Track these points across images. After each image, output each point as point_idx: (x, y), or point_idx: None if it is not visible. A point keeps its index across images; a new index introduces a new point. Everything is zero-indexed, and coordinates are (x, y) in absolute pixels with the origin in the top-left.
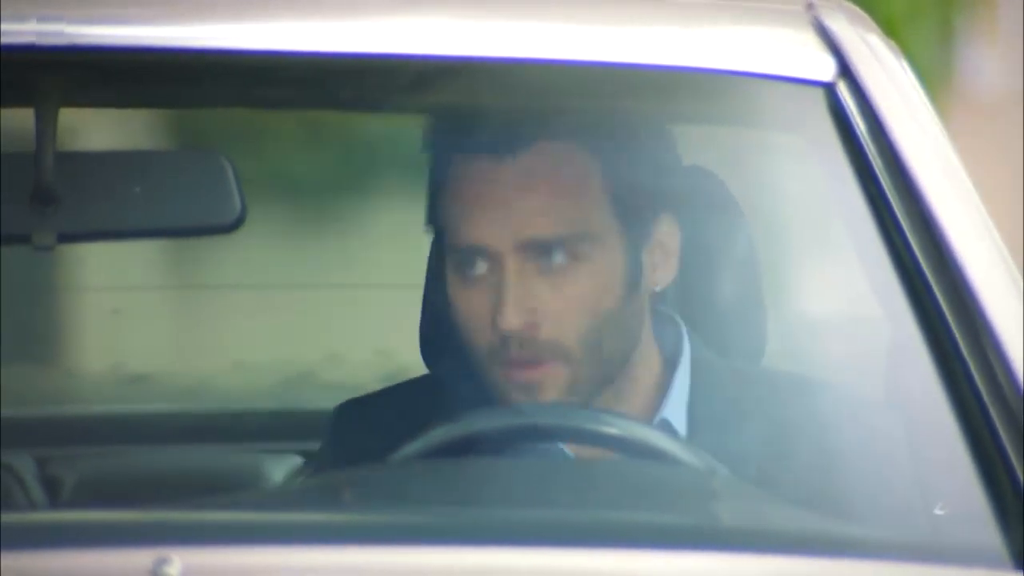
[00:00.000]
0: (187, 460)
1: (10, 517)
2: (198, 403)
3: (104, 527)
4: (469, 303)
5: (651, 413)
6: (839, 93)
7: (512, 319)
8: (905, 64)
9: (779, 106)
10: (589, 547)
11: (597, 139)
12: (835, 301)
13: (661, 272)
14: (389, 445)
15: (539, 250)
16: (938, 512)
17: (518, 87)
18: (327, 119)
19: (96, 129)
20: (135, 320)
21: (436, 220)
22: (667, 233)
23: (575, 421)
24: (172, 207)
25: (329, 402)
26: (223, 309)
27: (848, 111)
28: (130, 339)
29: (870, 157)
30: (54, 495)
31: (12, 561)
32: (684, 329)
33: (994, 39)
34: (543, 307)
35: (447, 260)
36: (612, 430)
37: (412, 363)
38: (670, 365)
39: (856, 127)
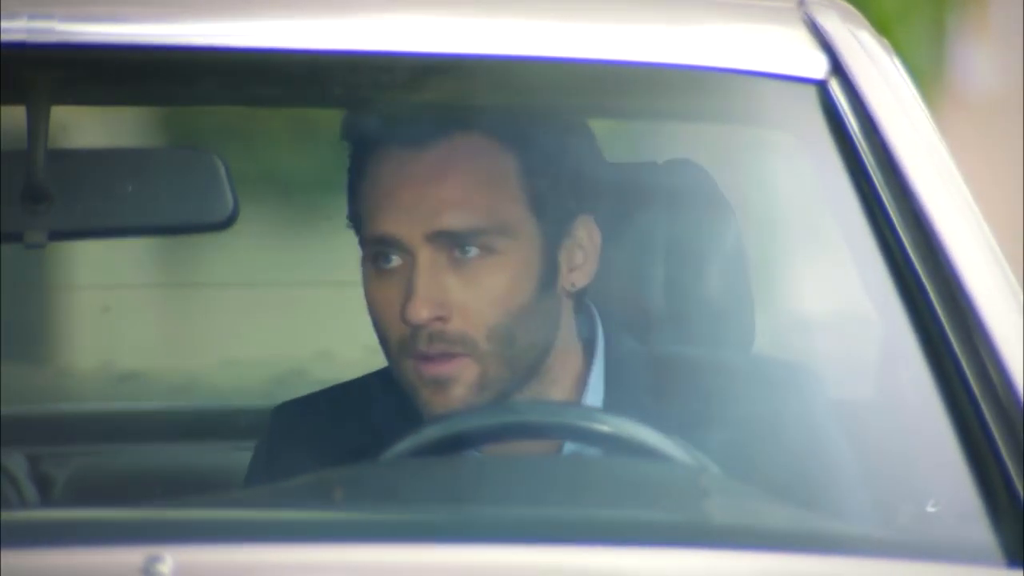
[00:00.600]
0: (178, 458)
1: (2, 515)
2: (189, 400)
3: (96, 525)
4: (381, 295)
5: None
6: (831, 91)
7: (420, 311)
8: (897, 62)
9: (771, 103)
10: (578, 544)
11: (517, 135)
12: (827, 299)
13: (579, 272)
14: (326, 446)
15: (451, 242)
16: (930, 509)
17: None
18: (318, 116)
19: (88, 127)
20: (126, 317)
21: (355, 212)
22: (586, 234)
23: (566, 418)
24: (164, 205)
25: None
26: (214, 306)
27: (840, 109)
28: (121, 336)
29: (862, 155)
30: (45, 493)
31: (4, 559)
32: (598, 320)
33: (986, 37)
34: (453, 300)
35: (363, 250)
36: (604, 427)
37: None
38: (589, 359)
39: (848, 125)
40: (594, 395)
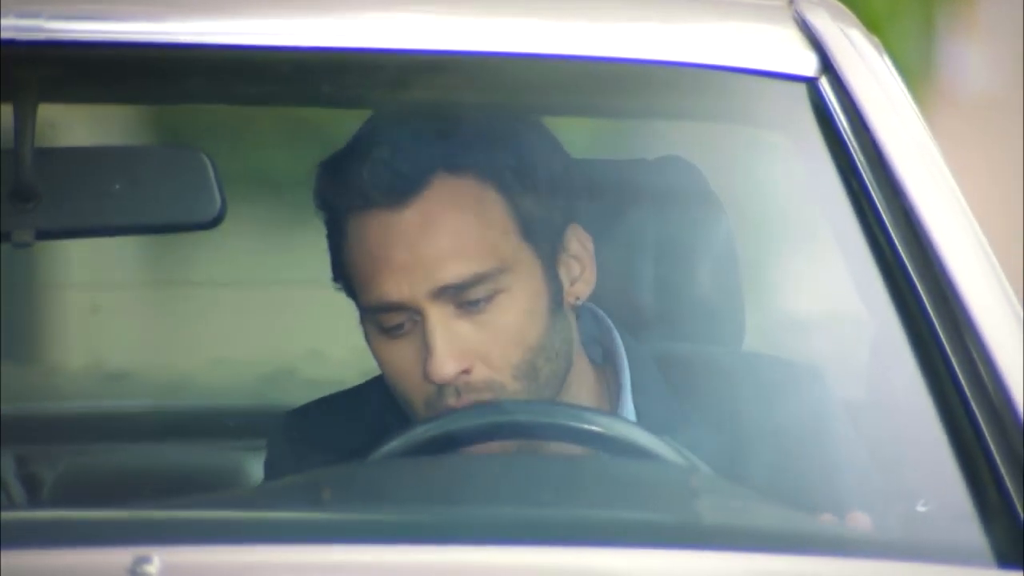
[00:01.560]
0: (167, 458)
1: None
2: (178, 400)
3: (83, 525)
4: (396, 358)
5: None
6: (822, 89)
7: (445, 370)
8: (888, 60)
9: (762, 102)
10: (567, 545)
11: (492, 163)
12: (817, 297)
13: (580, 284)
14: (336, 451)
15: (456, 294)
16: (920, 509)
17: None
18: (307, 115)
19: (75, 125)
20: (115, 317)
21: (343, 276)
22: (578, 243)
23: (558, 418)
24: (152, 203)
25: (309, 398)
26: (203, 306)
27: (831, 107)
28: (110, 336)
29: (853, 153)
30: (33, 493)
31: None
32: (611, 323)
33: (976, 36)
34: (473, 349)
35: (365, 317)
36: (594, 427)
37: None
38: (603, 367)
39: (839, 123)
40: (628, 406)
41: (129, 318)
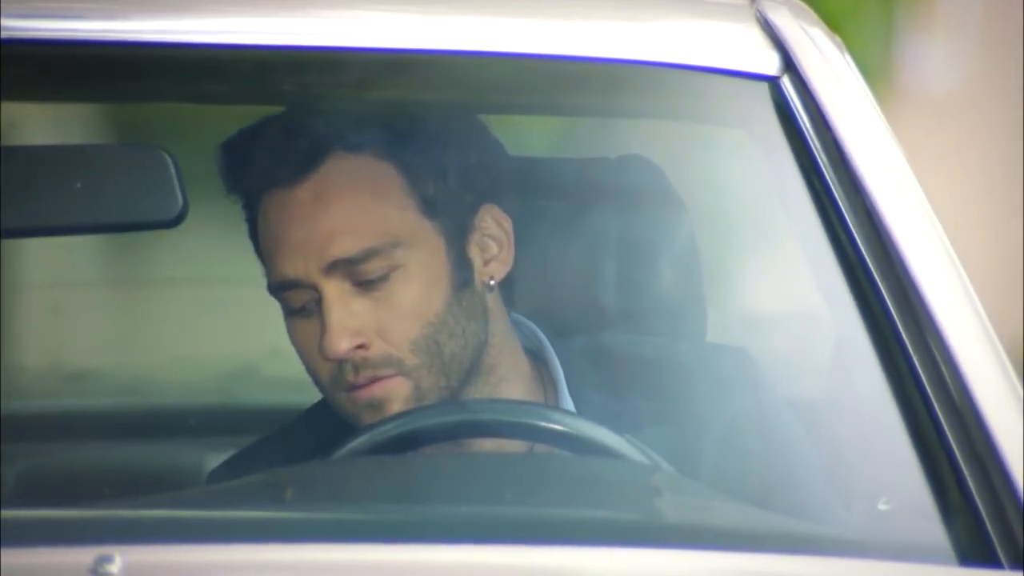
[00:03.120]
0: (129, 457)
1: None
2: (139, 399)
3: (44, 525)
4: (301, 336)
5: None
6: (783, 87)
7: (338, 345)
8: (849, 58)
9: (724, 100)
10: (530, 543)
11: (393, 143)
12: (779, 296)
13: (496, 264)
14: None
15: (350, 269)
16: (882, 507)
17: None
18: (268, 113)
19: (36, 124)
20: (75, 315)
21: (261, 260)
22: (494, 224)
23: (520, 417)
24: (113, 202)
25: (272, 397)
26: (164, 304)
27: (792, 105)
28: (70, 335)
29: (814, 151)
30: None
31: None
32: (535, 327)
33: (935, 35)
34: (369, 325)
35: (275, 297)
36: (557, 426)
37: None
38: (541, 365)
39: (800, 121)
40: (564, 397)
41: (90, 317)
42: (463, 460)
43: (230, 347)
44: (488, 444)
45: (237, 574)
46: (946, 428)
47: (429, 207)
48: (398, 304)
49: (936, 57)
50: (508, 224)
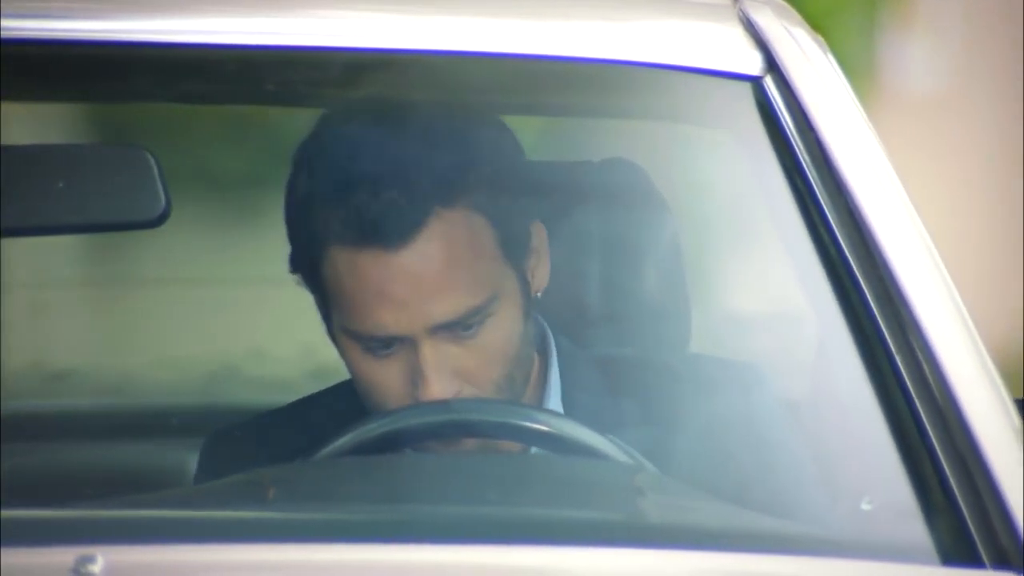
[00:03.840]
0: (110, 457)
1: None
2: (121, 399)
3: (26, 525)
4: (379, 377)
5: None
6: (767, 88)
7: (439, 396)
8: (832, 58)
9: (707, 101)
10: (514, 544)
11: (478, 192)
12: (763, 297)
13: (539, 278)
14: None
15: (452, 327)
16: (864, 507)
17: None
18: (251, 113)
19: (17, 124)
20: (57, 315)
21: (322, 298)
22: (538, 238)
23: (503, 416)
24: (96, 202)
25: (254, 397)
26: (146, 304)
27: (775, 106)
28: (52, 335)
29: (798, 152)
30: None
31: None
32: (545, 324)
33: (917, 35)
34: (463, 372)
35: (345, 334)
36: (539, 426)
37: (335, 359)
38: (543, 361)
39: (783, 122)
40: (553, 399)
41: (72, 317)
42: (447, 460)
43: (213, 347)
44: (473, 444)
45: (219, 574)
46: (929, 428)
47: (508, 250)
48: (488, 350)
49: (919, 57)
50: (544, 234)
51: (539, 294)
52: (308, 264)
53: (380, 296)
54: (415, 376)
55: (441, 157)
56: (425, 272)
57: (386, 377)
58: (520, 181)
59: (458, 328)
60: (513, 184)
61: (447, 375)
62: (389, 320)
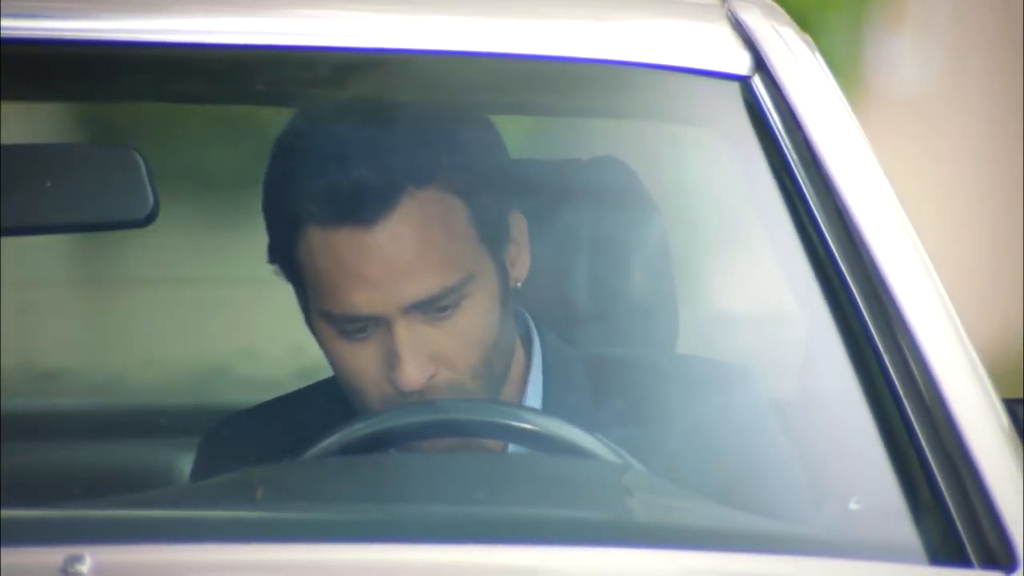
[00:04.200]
0: (99, 457)
1: None
2: (110, 399)
3: (14, 525)
4: (354, 360)
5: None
6: (755, 87)
7: (414, 380)
8: (820, 58)
9: (695, 100)
10: (502, 543)
11: (454, 172)
12: (750, 296)
13: (519, 268)
14: (263, 460)
15: (427, 307)
16: (853, 506)
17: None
18: (240, 113)
19: (5, 123)
20: (45, 315)
21: (295, 278)
22: (518, 228)
23: (490, 416)
24: (84, 202)
25: (243, 397)
26: (135, 304)
27: (764, 105)
28: (40, 334)
29: (786, 151)
30: None
31: None
32: (530, 319)
33: (904, 35)
34: (438, 355)
35: (322, 319)
36: (527, 425)
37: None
38: (527, 356)
39: (772, 121)
40: (533, 394)
41: (60, 317)
42: (435, 460)
43: (201, 347)
44: (460, 444)
45: (208, 574)
46: (917, 428)
47: (484, 233)
48: (464, 333)
49: (906, 57)
50: (524, 224)
51: (519, 284)
52: (285, 250)
53: (354, 275)
54: (391, 358)
55: (416, 139)
56: (399, 250)
57: (362, 361)
58: (499, 170)
59: (433, 309)
60: (490, 171)
61: (423, 357)
62: (363, 300)
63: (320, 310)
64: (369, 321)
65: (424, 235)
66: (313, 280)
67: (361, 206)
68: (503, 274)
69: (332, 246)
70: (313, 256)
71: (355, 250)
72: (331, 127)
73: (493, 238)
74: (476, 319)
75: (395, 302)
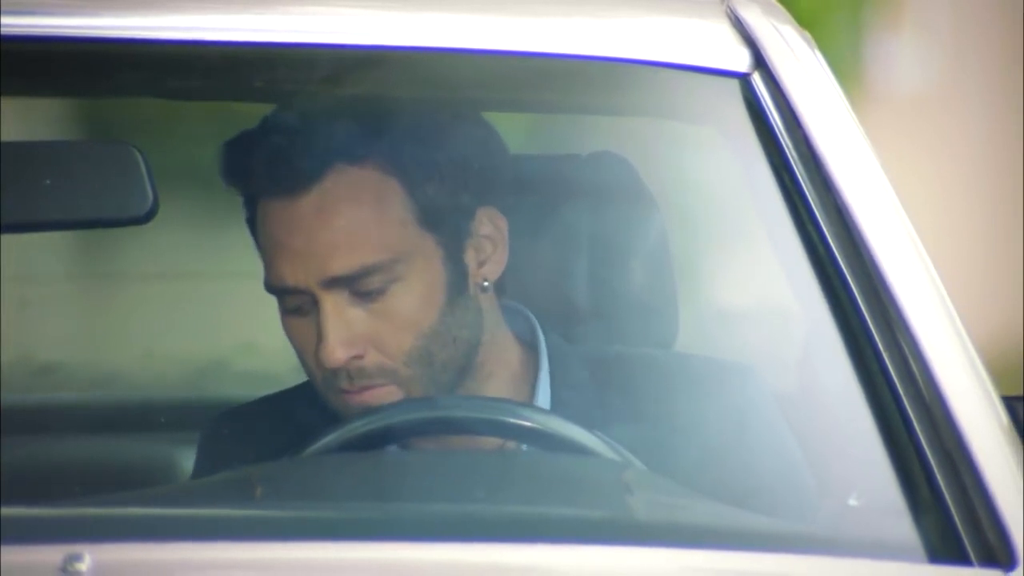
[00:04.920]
0: (98, 453)
1: None
2: (109, 394)
3: (13, 522)
4: (297, 335)
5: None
6: (754, 85)
7: (334, 356)
8: (819, 56)
9: (694, 97)
10: (500, 541)
11: (393, 153)
12: (750, 293)
13: (489, 265)
14: (264, 454)
15: (349, 283)
16: (852, 503)
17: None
18: (238, 109)
19: (4, 120)
20: (45, 310)
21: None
22: (490, 225)
23: (490, 413)
24: (84, 198)
25: (242, 392)
26: (134, 299)
27: (763, 103)
28: (40, 329)
29: (785, 148)
30: None
31: None
32: (535, 319)
33: (904, 33)
34: (365, 336)
35: (271, 294)
36: (529, 423)
37: None
38: (530, 355)
39: (771, 118)
40: (543, 395)
41: (59, 312)
42: (435, 457)
43: (201, 342)
44: (461, 441)
45: (207, 572)
46: (916, 425)
47: (428, 219)
48: (394, 316)
49: (906, 55)
50: (503, 224)
51: (486, 282)
52: (252, 229)
53: (280, 246)
54: (319, 338)
55: (358, 119)
56: (320, 223)
57: (302, 337)
58: (465, 163)
59: (357, 288)
60: (452, 163)
61: (345, 334)
62: (287, 271)
63: (265, 287)
64: (300, 296)
65: (348, 211)
66: (262, 253)
67: (288, 177)
68: (455, 266)
69: (267, 218)
70: (258, 230)
71: (282, 221)
72: (295, 112)
73: (442, 226)
74: (407, 304)
75: (316, 275)
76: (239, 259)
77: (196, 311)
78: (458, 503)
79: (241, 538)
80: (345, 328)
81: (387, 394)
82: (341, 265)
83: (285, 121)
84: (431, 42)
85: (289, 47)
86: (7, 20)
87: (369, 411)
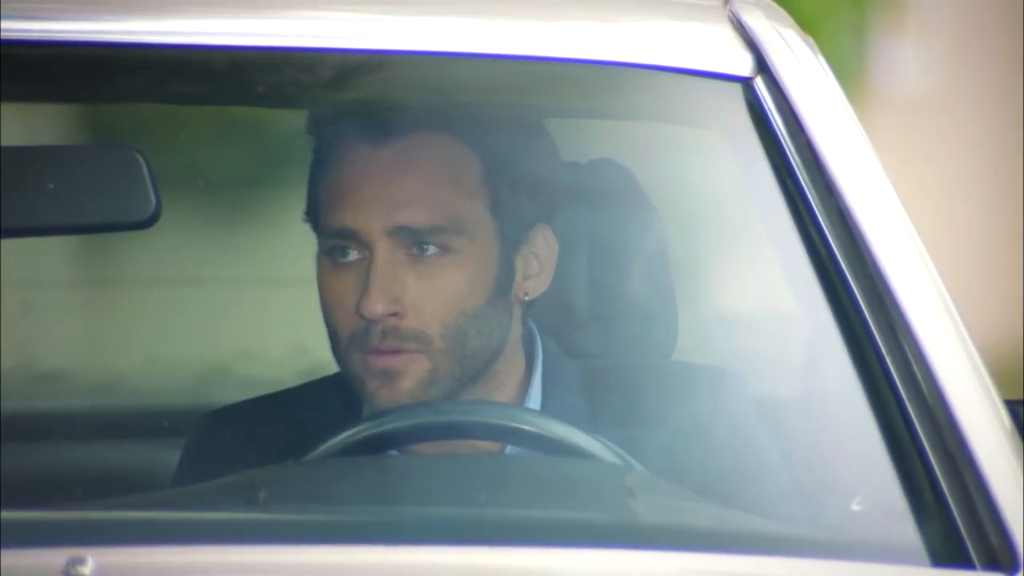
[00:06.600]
0: (101, 458)
1: None
2: (112, 400)
3: (16, 526)
4: (337, 287)
5: None
6: (757, 89)
7: (376, 306)
8: (822, 60)
9: (697, 101)
10: (502, 545)
11: (483, 135)
12: (752, 297)
13: (533, 282)
14: (259, 454)
15: (410, 238)
16: (855, 507)
17: (414, 79)
18: (241, 114)
19: (7, 125)
20: (47, 316)
21: (315, 206)
22: (543, 244)
23: (492, 418)
24: (86, 203)
25: (244, 398)
26: (137, 305)
27: (766, 107)
28: (42, 335)
29: (788, 153)
30: None
31: None
32: (536, 332)
33: (907, 37)
34: (409, 296)
35: (320, 244)
36: (530, 428)
37: (327, 359)
38: (529, 364)
39: (774, 123)
40: (534, 402)
41: (61, 317)
42: (437, 461)
43: (203, 348)
44: (463, 446)
45: (209, 575)
46: (919, 429)
47: (497, 207)
48: (441, 286)
49: (908, 59)
50: (555, 248)
51: (527, 296)
52: (313, 180)
53: (352, 191)
54: (365, 286)
55: (461, 101)
56: (400, 173)
57: (340, 288)
58: (537, 174)
59: (414, 242)
60: (527, 167)
61: (392, 292)
62: (352, 214)
63: (321, 230)
64: (353, 242)
65: (428, 167)
66: (323, 203)
67: (379, 126)
68: (505, 264)
69: (344, 163)
70: (329, 175)
71: (361, 167)
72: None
73: (503, 217)
74: (457, 278)
75: (382, 222)
76: (242, 265)
77: (198, 317)
78: (460, 507)
79: (243, 542)
80: (393, 282)
81: (414, 362)
82: (409, 216)
83: (392, 81)
84: (432, 47)
85: (293, 51)
86: (9, 25)
87: (372, 416)
